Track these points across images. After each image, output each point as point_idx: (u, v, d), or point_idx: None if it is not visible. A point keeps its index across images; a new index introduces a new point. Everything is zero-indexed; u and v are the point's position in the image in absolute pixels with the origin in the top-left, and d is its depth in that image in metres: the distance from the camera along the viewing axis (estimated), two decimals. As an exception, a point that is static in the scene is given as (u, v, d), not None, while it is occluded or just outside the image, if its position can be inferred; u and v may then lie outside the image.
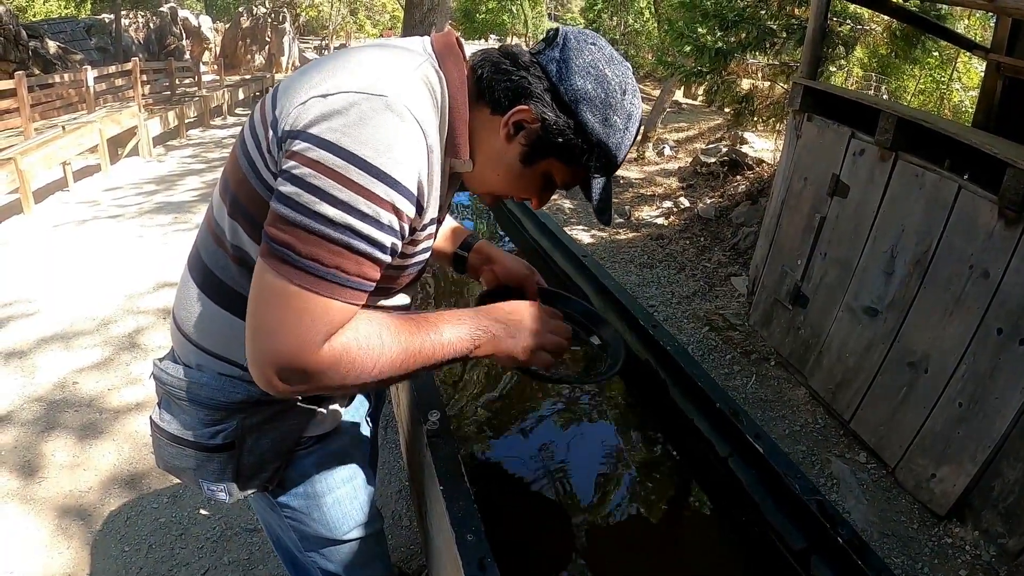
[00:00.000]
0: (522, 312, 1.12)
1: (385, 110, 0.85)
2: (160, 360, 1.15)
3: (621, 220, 6.54)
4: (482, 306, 1.11)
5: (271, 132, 0.90)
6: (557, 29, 1.02)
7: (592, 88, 0.97)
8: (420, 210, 0.93)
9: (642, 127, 1.10)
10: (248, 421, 1.10)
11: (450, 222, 1.52)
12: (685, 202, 6.72)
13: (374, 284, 0.91)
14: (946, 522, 2.67)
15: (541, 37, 1.04)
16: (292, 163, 0.84)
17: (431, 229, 1.03)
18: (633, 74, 1.03)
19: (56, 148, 7.69)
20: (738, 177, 6.67)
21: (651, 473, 1.48)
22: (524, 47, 1.04)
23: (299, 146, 0.84)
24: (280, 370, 0.87)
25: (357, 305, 0.90)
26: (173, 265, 5.33)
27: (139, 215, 6.95)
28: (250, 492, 1.17)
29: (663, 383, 1.61)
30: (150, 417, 1.16)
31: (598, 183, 1.06)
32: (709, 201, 6.43)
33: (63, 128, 8.70)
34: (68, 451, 3.07)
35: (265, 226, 0.87)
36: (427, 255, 1.09)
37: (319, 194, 0.82)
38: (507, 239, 2.80)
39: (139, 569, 2.43)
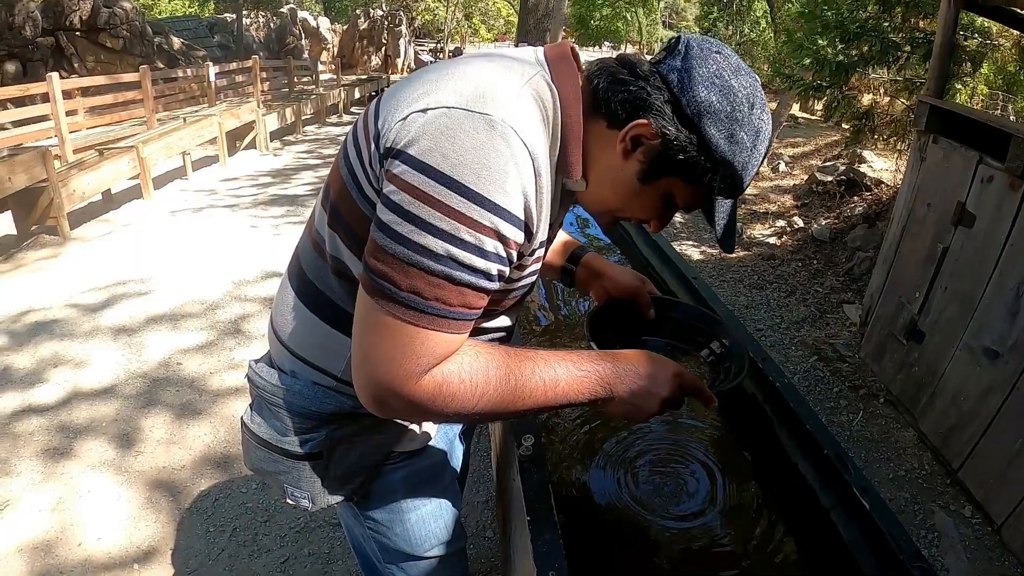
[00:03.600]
0: (652, 366, 1.02)
1: (488, 130, 0.79)
2: (256, 362, 1.16)
3: (732, 238, 6.36)
4: (608, 351, 1.03)
5: (372, 145, 0.87)
6: (679, 36, 0.94)
7: (717, 101, 0.88)
8: (529, 235, 0.88)
9: (771, 145, 0.98)
10: (338, 432, 1.09)
11: (559, 234, 1.46)
12: (799, 222, 6.46)
13: (480, 312, 0.88)
14: (1051, 590, 2.44)
15: (656, 45, 0.96)
16: (391, 187, 0.81)
17: (539, 253, 0.97)
18: (760, 84, 0.93)
19: (176, 139, 8.12)
20: (855, 198, 6.35)
21: (747, 518, 1.39)
22: (643, 56, 0.96)
23: (398, 168, 0.80)
24: (382, 397, 0.87)
25: (462, 335, 0.87)
26: (283, 256, 5.49)
27: (253, 206, 7.26)
28: (334, 502, 1.17)
29: (768, 421, 1.51)
30: (241, 417, 1.18)
31: (722, 206, 0.96)
32: (824, 222, 6.15)
33: (184, 120, 9.18)
34: (165, 428, 3.21)
35: (365, 254, 0.85)
36: (534, 278, 1.04)
37: (418, 223, 0.79)
38: (617, 252, 2.74)
39: (221, 550, 2.51)
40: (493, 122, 0.80)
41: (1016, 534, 2.60)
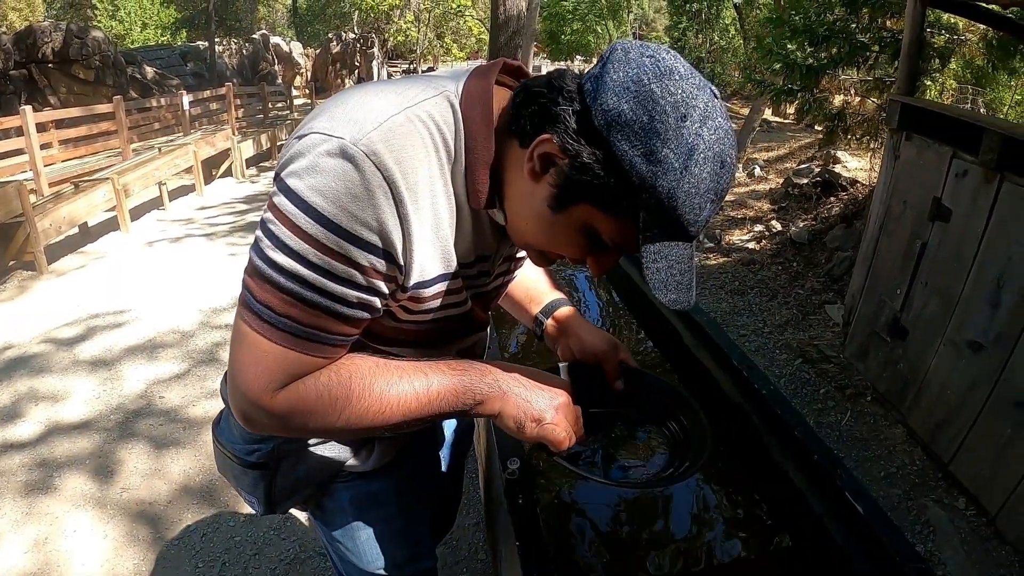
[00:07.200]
0: (547, 380, 0.99)
1: (337, 155, 0.76)
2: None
3: (712, 245, 6.36)
4: (502, 362, 0.99)
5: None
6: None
7: (629, 109, 0.74)
8: (394, 263, 0.83)
9: (732, 170, 0.80)
10: (286, 446, 1.11)
11: (543, 278, 1.37)
12: (777, 225, 6.49)
13: (344, 338, 0.86)
14: (1050, 576, 2.43)
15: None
16: (265, 207, 0.83)
17: (443, 286, 0.92)
18: (713, 95, 0.77)
19: (152, 169, 8.08)
20: (832, 199, 6.38)
21: (741, 530, 1.37)
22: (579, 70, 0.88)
23: (272, 190, 0.82)
24: (244, 410, 0.87)
25: (319, 358, 0.85)
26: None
27: (231, 233, 7.23)
28: (282, 511, 1.21)
29: (756, 430, 1.48)
30: (212, 422, 1.23)
31: (653, 251, 0.80)
32: (802, 224, 6.18)
33: (159, 150, 9.14)
34: (147, 460, 3.16)
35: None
36: (450, 312, 0.98)
37: (274, 240, 0.79)
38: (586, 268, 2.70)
39: (211, 586, 2.45)
40: (344, 146, 0.77)
41: (1010, 524, 2.60)
